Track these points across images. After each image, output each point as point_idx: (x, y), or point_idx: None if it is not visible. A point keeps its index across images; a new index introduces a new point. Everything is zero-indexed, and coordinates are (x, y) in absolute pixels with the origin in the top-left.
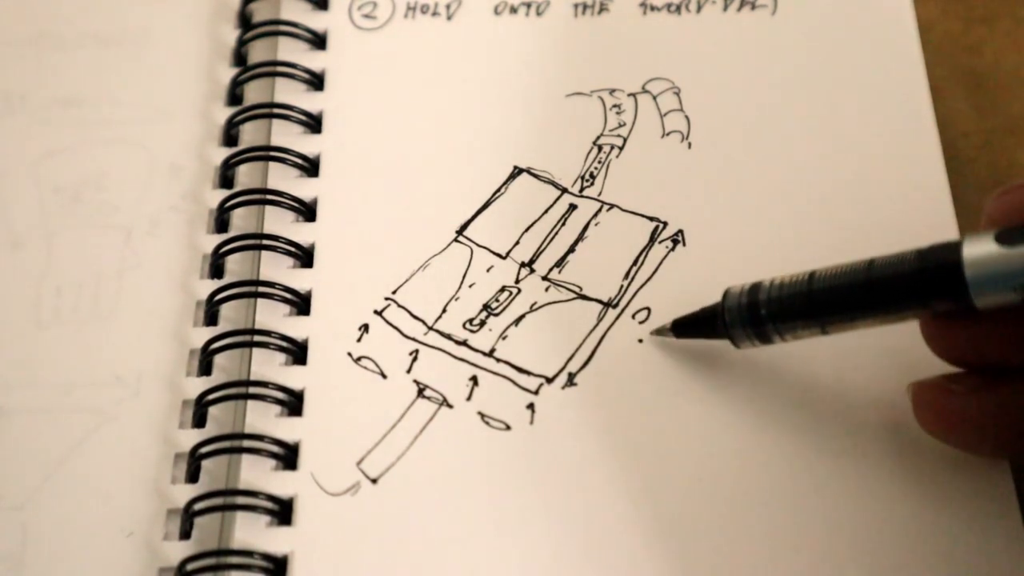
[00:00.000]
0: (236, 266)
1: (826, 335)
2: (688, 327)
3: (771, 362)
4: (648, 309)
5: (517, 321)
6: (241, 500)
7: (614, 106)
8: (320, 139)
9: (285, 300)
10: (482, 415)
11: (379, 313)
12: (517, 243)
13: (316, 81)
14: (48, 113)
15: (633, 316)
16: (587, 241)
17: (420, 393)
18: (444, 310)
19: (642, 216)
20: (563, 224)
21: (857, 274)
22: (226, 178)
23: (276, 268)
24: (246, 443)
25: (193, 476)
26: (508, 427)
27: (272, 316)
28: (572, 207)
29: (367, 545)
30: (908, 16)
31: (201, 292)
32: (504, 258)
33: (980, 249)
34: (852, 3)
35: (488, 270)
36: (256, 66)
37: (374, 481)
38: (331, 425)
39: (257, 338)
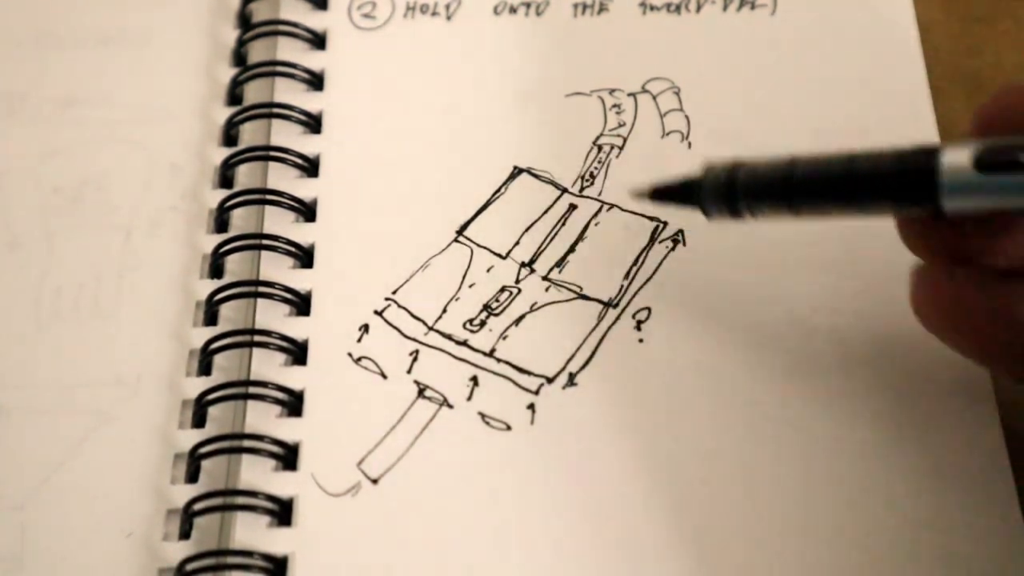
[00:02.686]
0: (236, 266)
1: (798, 218)
2: (665, 194)
3: (771, 361)
4: (648, 309)
5: (517, 321)
6: (241, 500)
7: (614, 106)
8: (320, 139)
9: (285, 300)
10: (483, 415)
11: (379, 313)
12: (517, 243)
13: (316, 81)
14: (48, 113)
15: (633, 316)
16: (587, 241)
17: (420, 393)
18: (444, 310)
19: (642, 216)
20: (563, 224)
21: (836, 166)
22: (226, 178)
23: (276, 268)
24: (246, 443)
25: (193, 476)
26: (509, 427)
27: (272, 316)
28: (572, 207)
29: (367, 546)
30: (908, 16)
31: (201, 292)
32: (504, 258)
33: (958, 159)
34: (852, 3)
35: (488, 270)
36: (256, 66)
37: (375, 482)
38: (331, 425)
39: (257, 338)
